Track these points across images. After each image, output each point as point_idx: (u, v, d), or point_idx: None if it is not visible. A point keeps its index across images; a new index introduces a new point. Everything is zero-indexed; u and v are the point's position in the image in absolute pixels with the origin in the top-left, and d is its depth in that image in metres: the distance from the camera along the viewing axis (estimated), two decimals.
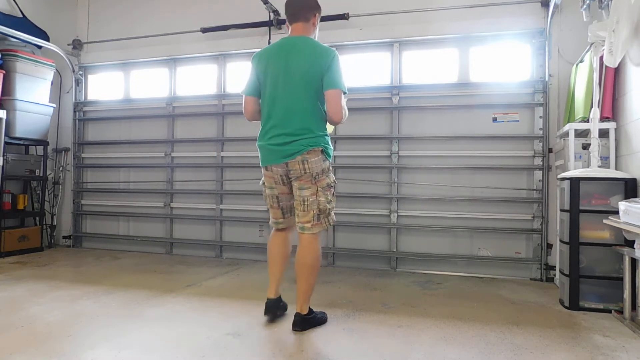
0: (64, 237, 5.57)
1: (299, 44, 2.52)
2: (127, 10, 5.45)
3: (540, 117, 4.06)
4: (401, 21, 4.40)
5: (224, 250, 4.94)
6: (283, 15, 2.94)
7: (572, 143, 3.28)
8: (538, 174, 4.07)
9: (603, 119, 3.19)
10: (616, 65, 2.90)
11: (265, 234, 2.75)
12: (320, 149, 2.47)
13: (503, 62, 4.27)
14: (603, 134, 3.21)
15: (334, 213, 2.64)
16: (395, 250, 4.37)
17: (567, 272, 3.04)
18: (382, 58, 4.58)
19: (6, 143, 4.64)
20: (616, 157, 3.22)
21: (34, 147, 5.28)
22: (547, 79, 4.03)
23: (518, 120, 4.15)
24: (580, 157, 3.29)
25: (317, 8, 2.64)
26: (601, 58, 3.05)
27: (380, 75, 4.58)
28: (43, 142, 5.17)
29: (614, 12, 2.78)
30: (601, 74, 3.16)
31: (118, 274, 3.97)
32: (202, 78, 5.21)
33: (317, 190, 2.50)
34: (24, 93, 4.80)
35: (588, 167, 3.14)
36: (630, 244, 2.65)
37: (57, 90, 5.53)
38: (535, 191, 4.07)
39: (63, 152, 5.60)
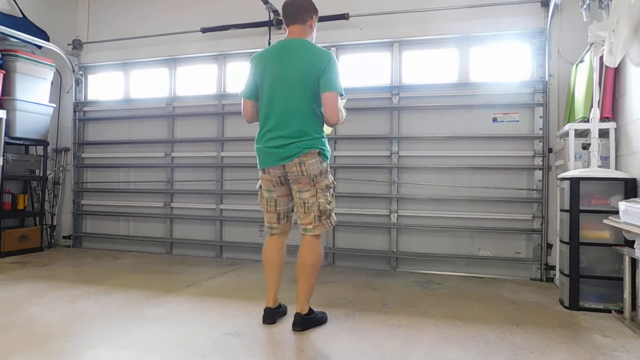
0: (64, 237, 5.57)
1: (295, 46, 2.53)
2: (127, 10, 5.45)
3: (540, 117, 4.06)
4: (401, 21, 4.40)
5: (224, 250, 4.95)
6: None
7: (572, 143, 3.28)
8: (538, 174, 4.07)
9: (603, 119, 3.19)
10: (616, 65, 2.90)
11: (266, 234, 2.74)
12: (317, 151, 2.48)
13: (503, 62, 4.27)
14: (603, 134, 3.21)
15: (335, 214, 2.64)
16: (395, 250, 4.38)
17: (567, 272, 3.04)
18: (382, 58, 4.58)
19: (6, 143, 4.64)
20: (616, 157, 3.22)
21: (34, 147, 5.28)
22: (547, 79, 4.03)
23: (518, 120, 4.15)
24: (580, 157, 3.29)
25: (314, 10, 2.66)
26: (601, 58, 3.05)
27: (380, 75, 4.58)
28: (43, 142, 5.17)
29: (614, 12, 2.78)
30: (601, 74, 3.16)
31: (118, 274, 3.97)
32: (202, 78, 5.21)
33: (316, 192, 2.51)
34: (24, 93, 4.80)
35: (588, 167, 3.14)
36: (630, 244, 2.65)
37: (57, 90, 5.53)
38: (535, 191, 4.07)
39: (63, 152, 5.60)
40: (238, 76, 5.03)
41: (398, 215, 4.40)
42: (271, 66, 2.53)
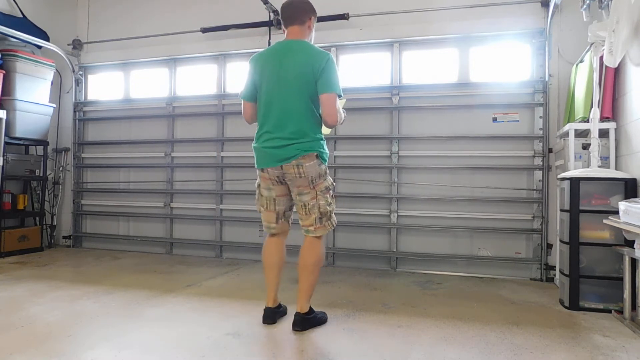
0: (64, 237, 5.57)
1: (294, 47, 2.53)
2: (127, 10, 5.45)
3: (540, 117, 4.06)
4: (401, 21, 4.40)
5: (224, 250, 4.95)
6: None
7: (572, 143, 3.28)
8: (538, 174, 4.07)
9: (603, 119, 3.19)
10: (616, 65, 2.90)
11: (266, 234, 2.74)
12: (316, 154, 2.47)
13: (503, 62, 4.27)
14: (603, 134, 3.21)
15: (335, 215, 2.65)
16: (395, 250, 4.38)
17: (567, 272, 3.04)
18: (382, 58, 4.58)
19: (6, 143, 4.64)
20: (616, 157, 3.22)
21: (34, 147, 5.28)
22: (547, 79, 4.03)
23: (518, 120, 4.15)
24: (580, 157, 3.29)
25: (313, 11, 2.66)
26: (601, 58, 3.05)
27: (380, 75, 4.58)
28: (43, 142, 5.17)
29: (614, 12, 2.78)
30: (601, 74, 3.16)
31: (118, 274, 3.97)
32: (202, 78, 5.21)
33: (316, 194, 2.52)
34: (24, 93, 4.80)
35: (588, 167, 3.14)
36: (630, 244, 2.65)
37: (57, 90, 5.53)
38: (535, 191, 4.07)
39: (63, 152, 5.60)
40: (238, 76, 5.03)
41: (398, 215, 4.40)
42: (270, 67, 2.53)
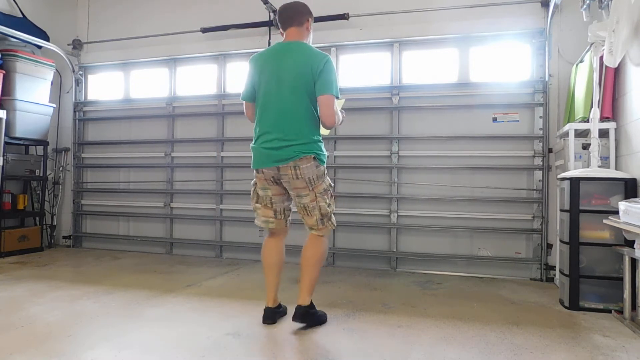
0: (64, 237, 5.57)
1: (292, 48, 2.54)
2: (127, 10, 5.45)
3: (540, 117, 4.06)
4: (401, 21, 4.40)
5: (224, 250, 4.95)
6: None
7: (572, 143, 3.28)
8: (538, 174, 4.07)
9: (603, 119, 3.19)
10: (616, 65, 2.90)
11: (265, 234, 2.74)
12: (313, 156, 2.48)
13: (503, 62, 4.27)
14: (603, 134, 3.21)
15: (334, 215, 2.66)
16: (395, 250, 4.37)
17: (567, 272, 3.04)
18: (382, 58, 4.58)
19: (6, 143, 4.64)
20: (616, 157, 3.22)
21: (34, 147, 5.28)
22: (547, 79, 4.03)
23: (518, 120, 4.15)
24: (580, 157, 3.29)
25: (310, 13, 2.68)
26: (601, 58, 3.05)
27: (380, 75, 4.58)
28: (43, 142, 5.17)
29: (614, 12, 2.78)
30: (601, 74, 3.16)
31: (118, 274, 3.97)
32: (202, 78, 5.21)
33: (315, 196, 2.52)
34: (24, 93, 4.80)
35: (588, 167, 3.14)
36: (630, 244, 2.65)
37: (57, 90, 5.53)
38: (535, 191, 4.07)
39: (63, 152, 5.60)
40: (238, 76, 5.03)
41: (398, 215, 4.40)
42: (269, 68, 2.54)
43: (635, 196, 2.84)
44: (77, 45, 5.57)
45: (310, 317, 2.55)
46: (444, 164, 4.29)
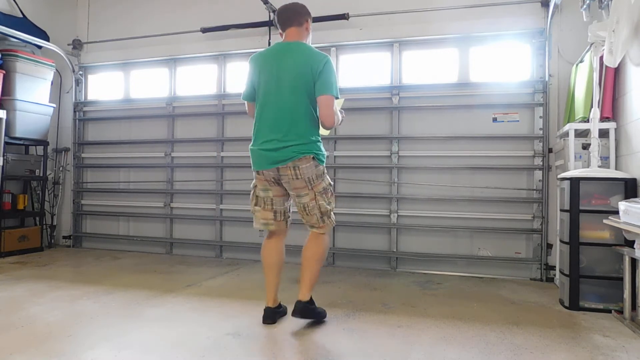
0: (64, 237, 5.57)
1: (292, 49, 2.55)
2: (127, 10, 5.45)
3: (540, 117, 4.06)
4: (401, 21, 4.40)
5: (224, 250, 4.95)
6: None
7: (572, 143, 3.28)
8: (538, 174, 4.07)
9: (603, 119, 3.19)
10: (616, 65, 2.90)
11: (265, 234, 2.74)
12: (312, 156, 2.48)
13: (503, 62, 4.27)
14: (603, 134, 3.21)
15: (334, 214, 2.67)
16: (395, 250, 4.37)
17: (567, 272, 3.04)
18: (382, 58, 4.58)
19: (6, 143, 4.64)
20: (616, 157, 3.22)
21: (34, 147, 5.28)
22: (547, 79, 4.03)
23: (518, 120, 4.15)
24: (580, 157, 3.29)
25: (309, 14, 2.68)
26: (601, 58, 3.05)
27: (380, 75, 4.58)
28: (43, 142, 5.17)
29: (614, 12, 2.78)
30: (601, 74, 3.16)
31: (118, 274, 3.97)
32: (202, 78, 5.21)
33: (314, 195, 2.53)
34: (24, 93, 4.80)
35: (588, 167, 3.14)
36: (630, 244, 2.65)
37: (57, 90, 5.53)
38: (535, 191, 4.07)
39: (63, 152, 5.60)
40: (238, 76, 5.03)
41: (398, 215, 4.39)
42: (268, 68, 2.55)
43: (635, 196, 2.84)
44: (77, 45, 5.57)
45: (309, 313, 2.55)
46: (444, 164, 4.29)
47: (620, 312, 2.81)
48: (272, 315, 2.63)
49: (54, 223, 5.52)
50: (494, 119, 4.20)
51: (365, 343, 2.35)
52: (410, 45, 4.49)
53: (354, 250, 4.48)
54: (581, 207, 2.99)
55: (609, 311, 2.90)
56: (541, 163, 4.05)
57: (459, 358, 2.16)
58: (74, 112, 5.60)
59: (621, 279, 2.78)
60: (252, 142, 2.60)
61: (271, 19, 4.63)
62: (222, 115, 5.01)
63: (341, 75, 4.63)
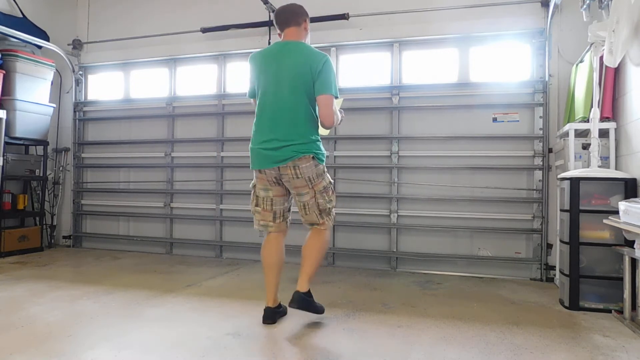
0: (64, 237, 5.57)
1: (291, 48, 2.55)
2: (127, 10, 5.45)
3: (540, 117, 4.06)
4: (401, 21, 4.40)
5: (224, 250, 4.95)
6: None
7: (572, 143, 3.28)
8: (538, 174, 4.07)
9: (603, 119, 3.19)
10: (616, 65, 2.90)
11: (265, 234, 2.74)
12: (311, 155, 2.49)
13: (503, 62, 4.27)
14: (603, 134, 3.21)
15: (334, 212, 2.68)
16: (395, 250, 4.37)
17: (567, 272, 3.04)
18: (382, 58, 4.58)
19: (6, 143, 4.64)
20: (616, 157, 3.22)
21: (34, 147, 5.28)
22: (547, 79, 4.03)
23: (518, 120, 4.15)
24: (580, 157, 3.29)
25: (306, 14, 2.70)
26: (601, 58, 3.05)
27: (380, 75, 4.58)
28: (43, 142, 5.17)
29: (614, 12, 2.78)
30: (601, 74, 3.16)
31: (118, 274, 3.97)
32: (202, 78, 5.21)
33: (315, 193, 2.54)
34: (24, 93, 4.80)
35: (588, 167, 3.14)
36: (630, 244, 2.65)
37: (57, 90, 5.53)
38: (535, 191, 4.07)
39: (63, 152, 5.60)
40: (238, 76, 5.03)
41: (398, 215, 4.39)
42: (267, 67, 2.56)
43: (635, 196, 2.84)
44: (77, 45, 5.57)
45: (306, 304, 2.53)
46: (444, 164, 4.29)
47: (620, 312, 2.81)
48: (272, 315, 2.63)
49: (54, 223, 5.52)
50: (494, 119, 4.20)
51: (365, 343, 2.35)
52: (410, 45, 4.49)
53: (354, 250, 4.48)
54: (581, 207, 2.99)
55: (609, 311, 2.90)
56: (541, 163, 4.05)
57: (459, 358, 2.16)
58: (74, 112, 5.60)
59: (621, 279, 2.78)
60: (251, 142, 2.60)
61: (271, 19, 4.62)
62: (222, 115, 5.01)
63: (341, 76, 4.63)
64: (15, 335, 2.38)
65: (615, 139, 3.20)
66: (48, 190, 5.42)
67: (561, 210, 3.21)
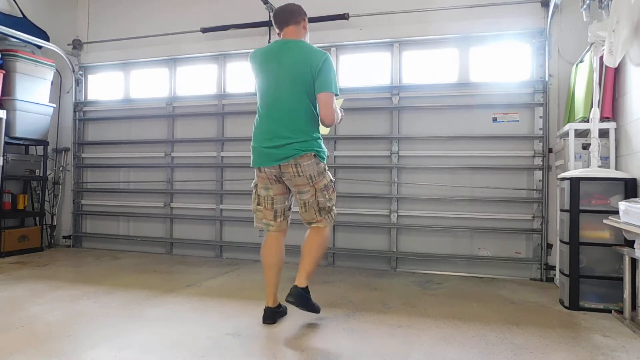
0: (64, 237, 5.57)
1: (291, 47, 2.56)
2: (127, 10, 5.45)
3: (540, 117, 4.06)
4: (401, 21, 4.40)
5: (224, 250, 4.95)
6: None
7: (572, 143, 3.28)
8: (538, 174, 4.07)
9: (603, 119, 3.19)
10: (616, 65, 2.90)
11: (265, 234, 2.74)
12: (313, 153, 2.49)
13: (503, 62, 4.27)
14: (603, 134, 3.21)
15: (335, 210, 2.67)
16: (395, 250, 4.37)
17: (567, 272, 3.04)
18: (382, 58, 4.58)
19: (6, 143, 4.64)
20: (616, 157, 3.22)
21: (34, 147, 5.28)
22: (547, 79, 4.03)
23: (518, 120, 4.15)
24: (580, 157, 3.29)
25: (305, 13, 2.71)
26: (601, 58, 3.05)
27: (380, 75, 4.58)
28: (43, 142, 5.17)
29: (614, 12, 2.78)
30: (601, 74, 3.16)
31: (118, 274, 3.97)
32: (202, 78, 5.21)
33: (315, 191, 2.54)
34: (24, 93, 4.80)
35: (588, 167, 3.14)
36: (630, 244, 2.65)
37: (57, 90, 5.53)
38: (535, 191, 4.07)
39: (63, 152, 5.60)
40: (238, 76, 5.03)
41: (398, 215, 4.39)
42: (268, 66, 2.56)
43: (635, 196, 2.84)
44: (77, 45, 5.57)
45: (304, 300, 2.51)
46: (444, 164, 4.29)
47: (620, 312, 2.81)
48: (272, 315, 2.63)
49: (54, 223, 5.52)
50: (494, 119, 4.20)
51: (365, 343, 2.35)
52: (410, 45, 4.49)
53: (354, 250, 4.48)
54: (581, 207, 2.99)
55: (609, 311, 2.90)
56: (541, 163, 4.05)
57: (459, 358, 2.16)
58: (74, 112, 5.60)
59: (621, 279, 2.78)
60: (253, 140, 2.61)
61: (271, 18, 4.63)
62: (222, 115, 5.01)
63: (341, 75, 4.63)
64: (15, 335, 2.38)
65: (615, 139, 3.20)
66: (48, 190, 5.42)
67: (561, 210, 3.21)
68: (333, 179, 2.67)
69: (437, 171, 4.31)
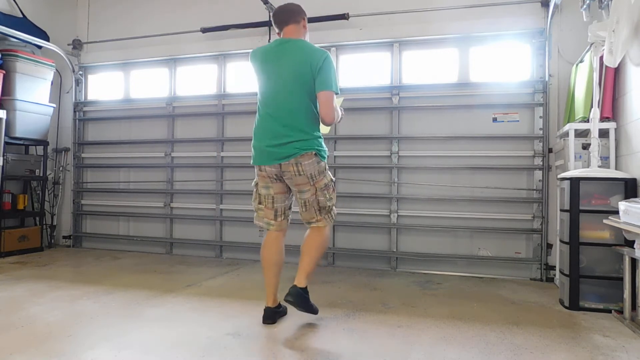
0: (64, 237, 5.57)
1: (292, 45, 2.56)
2: (127, 10, 5.45)
3: (540, 117, 4.06)
4: (401, 21, 4.40)
5: (224, 250, 4.95)
6: None
7: (572, 143, 3.28)
8: (538, 174, 4.07)
9: (603, 119, 3.19)
10: (616, 65, 2.90)
11: (265, 233, 2.74)
12: (314, 152, 2.49)
13: (503, 62, 4.27)
14: (603, 134, 3.21)
15: (335, 209, 2.67)
16: (395, 250, 4.37)
17: (567, 272, 3.04)
18: (382, 58, 4.58)
19: (6, 143, 4.64)
20: (616, 157, 3.22)
21: (34, 147, 5.28)
22: (547, 79, 4.03)
23: (518, 120, 4.15)
24: (580, 157, 3.29)
25: (304, 12, 2.71)
26: (601, 58, 3.05)
27: (380, 75, 4.58)
28: (43, 142, 5.17)
29: (614, 12, 2.78)
30: (601, 74, 3.16)
31: (118, 274, 3.97)
32: (202, 78, 5.21)
33: (315, 191, 2.54)
34: (24, 93, 4.80)
35: (588, 167, 3.14)
36: (630, 244, 2.65)
37: (57, 90, 5.53)
38: (535, 191, 4.07)
39: (63, 152, 5.60)
40: (238, 76, 5.03)
41: (398, 215, 4.39)
42: (268, 65, 2.57)
43: (635, 196, 2.84)
44: (77, 45, 5.57)
45: (302, 300, 2.50)
46: (444, 164, 4.29)
47: (620, 312, 2.81)
48: (272, 315, 2.63)
49: (54, 223, 5.52)
50: (494, 119, 4.20)
51: (365, 343, 2.35)
52: (410, 45, 4.49)
53: (354, 250, 4.48)
54: (581, 207, 2.99)
55: (609, 311, 2.90)
56: (541, 163, 4.05)
57: (459, 358, 2.16)
58: (74, 112, 5.60)
59: (621, 279, 2.78)
60: (253, 139, 2.61)
61: (271, 18, 4.63)
62: (222, 115, 5.01)
63: (341, 75, 4.63)
64: (15, 335, 2.38)
65: (615, 139, 3.20)
66: (48, 190, 5.42)
67: (561, 210, 3.21)
68: (333, 179, 2.67)
69: (437, 171, 4.31)
